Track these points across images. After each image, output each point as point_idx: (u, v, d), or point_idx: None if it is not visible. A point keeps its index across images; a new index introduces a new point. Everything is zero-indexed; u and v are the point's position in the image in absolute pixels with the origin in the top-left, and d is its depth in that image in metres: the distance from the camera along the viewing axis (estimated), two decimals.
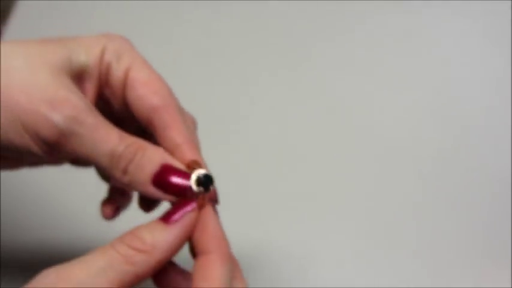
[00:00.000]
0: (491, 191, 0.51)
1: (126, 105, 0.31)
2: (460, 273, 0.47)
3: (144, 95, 0.30)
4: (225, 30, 0.63)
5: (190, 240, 0.29)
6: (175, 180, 0.28)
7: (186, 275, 0.30)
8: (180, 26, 0.63)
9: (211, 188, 0.28)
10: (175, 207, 0.28)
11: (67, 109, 0.27)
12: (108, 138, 0.28)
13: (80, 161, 0.32)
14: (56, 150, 0.28)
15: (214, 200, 0.30)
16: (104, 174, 0.32)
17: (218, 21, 0.64)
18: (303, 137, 0.55)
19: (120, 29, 0.32)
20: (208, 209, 0.29)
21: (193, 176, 0.28)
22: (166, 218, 0.27)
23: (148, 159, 0.28)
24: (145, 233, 0.26)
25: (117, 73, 0.31)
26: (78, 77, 0.30)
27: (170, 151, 0.30)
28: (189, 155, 0.29)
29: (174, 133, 0.30)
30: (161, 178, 0.28)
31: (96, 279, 0.24)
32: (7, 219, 0.47)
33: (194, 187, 0.28)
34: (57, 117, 0.27)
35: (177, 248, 0.27)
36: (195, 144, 0.31)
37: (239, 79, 0.59)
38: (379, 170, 0.53)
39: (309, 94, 0.58)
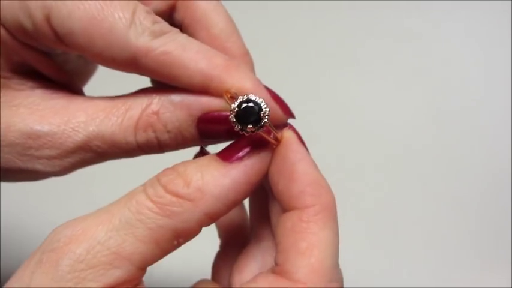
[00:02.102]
0: (491, 191, 0.51)
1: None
2: (460, 273, 0.47)
3: (101, 54, 0.20)
4: None
5: (273, 190, 0.21)
6: (219, 127, 0.20)
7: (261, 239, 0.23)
8: None
9: (264, 118, 0.19)
10: (239, 143, 0.20)
11: (50, 151, 0.21)
12: (109, 137, 0.20)
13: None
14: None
15: (284, 123, 0.21)
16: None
17: None
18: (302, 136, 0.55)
19: None
20: (290, 141, 0.20)
21: (232, 115, 0.19)
22: (225, 155, 0.19)
23: (177, 124, 0.20)
24: (191, 170, 0.19)
25: (44, 40, 0.21)
26: None
27: (195, 84, 0.20)
28: (226, 84, 0.20)
29: (188, 77, 0.20)
30: (204, 130, 0.20)
31: (119, 236, 0.17)
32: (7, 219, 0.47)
33: (239, 127, 0.19)
34: (48, 168, 0.21)
35: (235, 200, 0.19)
36: (227, 65, 0.20)
37: None
38: (379, 170, 0.53)
39: (307, 94, 0.58)
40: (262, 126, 0.19)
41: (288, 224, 0.19)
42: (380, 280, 0.47)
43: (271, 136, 0.20)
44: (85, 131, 0.20)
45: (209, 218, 0.19)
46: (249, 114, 0.19)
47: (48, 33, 0.20)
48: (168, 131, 0.20)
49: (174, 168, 0.19)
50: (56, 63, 0.23)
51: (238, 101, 0.19)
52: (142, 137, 0.20)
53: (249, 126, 0.19)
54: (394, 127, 0.55)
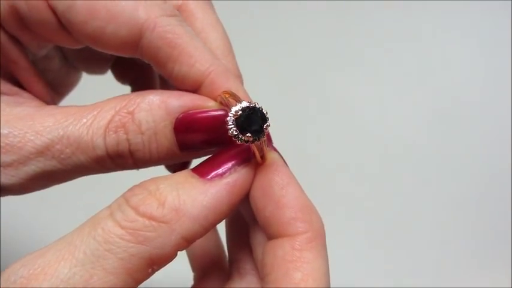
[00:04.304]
0: (491, 191, 0.51)
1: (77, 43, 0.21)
2: (460, 273, 0.47)
3: (103, 29, 0.19)
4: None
5: (254, 214, 0.19)
6: (208, 132, 0.18)
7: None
8: None
9: (265, 128, 0.17)
10: (219, 158, 0.18)
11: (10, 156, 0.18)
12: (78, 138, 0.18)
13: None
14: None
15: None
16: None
17: None
18: (302, 136, 0.55)
19: None
20: (276, 163, 0.18)
21: (230, 117, 0.17)
22: (203, 170, 0.17)
23: (152, 124, 0.18)
24: (165, 188, 0.17)
25: (38, 20, 0.19)
26: None
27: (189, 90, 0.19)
28: (221, 86, 0.19)
29: (187, 64, 0.19)
30: (187, 137, 0.18)
31: (85, 271, 0.15)
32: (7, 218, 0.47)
33: (235, 133, 0.17)
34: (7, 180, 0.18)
35: (215, 221, 0.17)
36: (226, 70, 0.19)
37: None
38: (379, 170, 0.53)
39: (308, 94, 0.58)
40: (260, 139, 0.17)
41: (278, 252, 0.17)
42: (380, 280, 0.47)
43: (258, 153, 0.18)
44: (50, 134, 0.18)
45: (186, 242, 0.16)
46: (252, 122, 0.17)
47: (45, 13, 0.19)
48: (142, 133, 0.18)
49: (143, 186, 0.17)
50: (36, 72, 0.22)
51: (243, 105, 0.17)
52: (112, 140, 0.18)
53: (247, 134, 0.17)
54: (394, 127, 0.55)
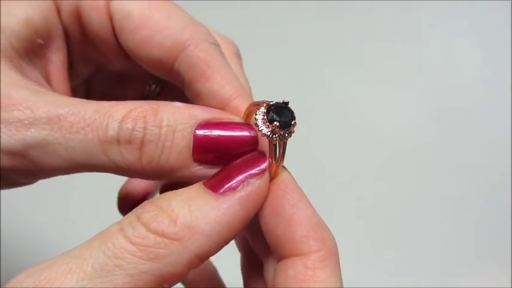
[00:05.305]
0: (491, 191, 0.51)
1: (127, 57, 0.22)
2: (460, 273, 0.47)
3: (150, 38, 0.20)
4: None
5: (261, 230, 0.18)
6: (228, 143, 0.18)
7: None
8: None
9: (293, 127, 0.17)
10: (231, 169, 0.17)
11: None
12: (95, 120, 0.17)
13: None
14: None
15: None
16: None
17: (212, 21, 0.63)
18: (302, 136, 0.55)
19: None
20: (287, 180, 0.18)
21: (261, 108, 0.17)
22: (214, 184, 0.17)
23: (173, 123, 0.18)
24: (176, 204, 0.16)
25: (95, 21, 0.21)
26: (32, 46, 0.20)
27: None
28: (244, 104, 0.19)
29: (218, 84, 0.20)
30: (205, 144, 0.18)
31: (93, 286, 0.15)
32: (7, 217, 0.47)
33: (261, 123, 0.17)
34: (12, 142, 0.18)
35: (229, 237, 0.17)
36: (251, 97, 0.21)
37: None
38: (379, 170, 0.53)
39: (309, 94, 0.58)
40: (286, 135, 0.17)
41: (290, 272, 0.17)
42: (380, 280, 0.47)
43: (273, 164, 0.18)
44: (66, 107, 0.18)
45: (199, 259, 0.16)
46: (282, 113, 0.17)
47: (103, 17, 0.21)
48: (161, 127, 0.17)
49: (154, 202, 0.17)
50: (67, 73, 0.22)
51: (275, 101, 0.17)
52: (128, 126, 0.17)
53: (275, 123, 0.17)
54: (394, 127, 0.55)
